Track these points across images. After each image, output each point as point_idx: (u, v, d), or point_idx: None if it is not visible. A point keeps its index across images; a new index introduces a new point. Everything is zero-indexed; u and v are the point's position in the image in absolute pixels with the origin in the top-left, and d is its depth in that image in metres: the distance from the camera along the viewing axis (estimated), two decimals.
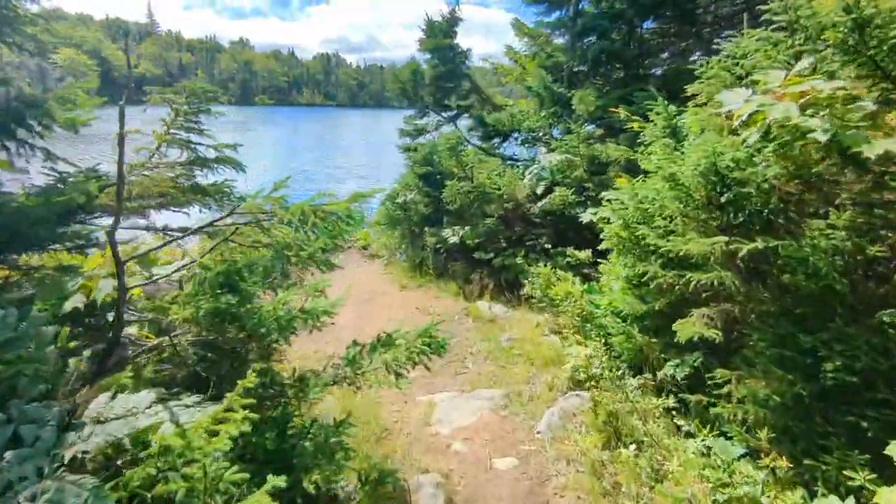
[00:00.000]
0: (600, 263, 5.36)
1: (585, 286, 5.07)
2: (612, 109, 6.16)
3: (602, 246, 4.38)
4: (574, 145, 7.21)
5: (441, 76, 9.84)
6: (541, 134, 8.67)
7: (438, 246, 7.86)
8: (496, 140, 9.32)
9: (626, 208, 4.07)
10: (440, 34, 9.48)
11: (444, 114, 9.95)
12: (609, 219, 4.31)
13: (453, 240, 7.24)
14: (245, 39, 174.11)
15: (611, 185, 7.45)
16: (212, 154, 3.36)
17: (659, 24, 9.03)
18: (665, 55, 9.42)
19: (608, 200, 4.42)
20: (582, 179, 7.25)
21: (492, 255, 7.07)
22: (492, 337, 5.55)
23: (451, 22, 9.68)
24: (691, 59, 8.21)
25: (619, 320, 4.38)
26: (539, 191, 7.21)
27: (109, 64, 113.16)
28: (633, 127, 5.91)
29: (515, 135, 9.25)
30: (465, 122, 10.19)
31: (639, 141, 5.14)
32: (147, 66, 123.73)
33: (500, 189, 7.31)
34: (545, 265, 5.91)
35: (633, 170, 5.34)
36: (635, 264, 3.99)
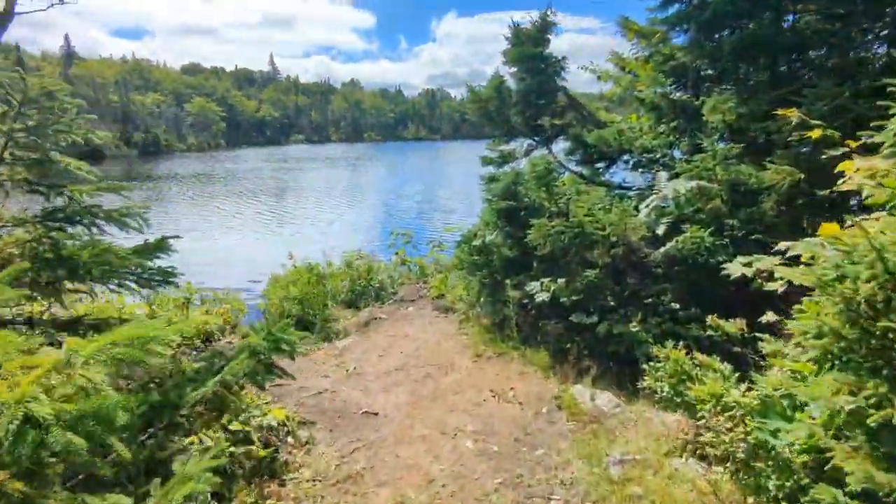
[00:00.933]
0: (762, 340, 3.44)
1: (755, 397, 3.10)
2: (779, 112, 4.20)
3: (803, 347, 2.46)
4: (708, 167, 5.25)
5: (531, 91, 8.26)
6: (659, 155, 6.75)
7: (525, 301, 6.17)
8: (600, 165, 7.49)
9: (847, 277, 2.18)
10: (528, 42, 7.93)
11: (535, 137, 8.35)
12: (805, 292, 2.43)
13: (542, 296, 5.52)
14: (356, 80, 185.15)
15: (767, 221, 5.33)
16: None
17: (819, 5, 6.83)
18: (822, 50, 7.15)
19: (787, 261, 2.57)
20: (721, 214, 5.24)
21: (595, 318, 5.24)
22: (594, 454, 3.74)
23: (542, 27, 8.08)
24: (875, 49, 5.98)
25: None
26: (660, 230, 5.29)
27: (234, 109, 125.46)
28: (810, 136, 3.99)
29: (626, 157, 7.39)
30: (561, 146, 8.52)
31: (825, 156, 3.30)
32: (267, 109, 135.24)
33: (605, 228, 5.50)
34: (674, 343, 4.01)
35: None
36: (873, 386, 2.09)
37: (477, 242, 6.79)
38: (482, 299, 6.93)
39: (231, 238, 19.81)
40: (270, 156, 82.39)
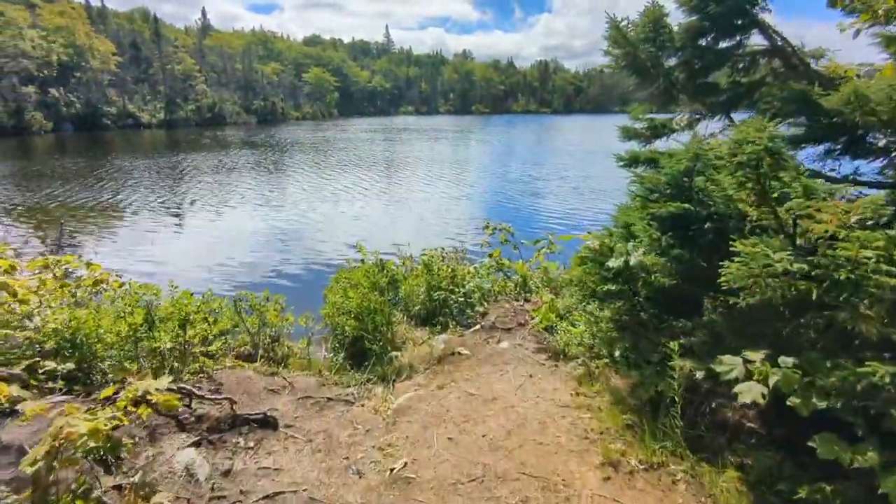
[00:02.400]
0: None
1: None
2: None
3: None
4: None
5: (706, 27, 5.46)
6: None
7: (696, 379, 3.59)
8: (833, 146, 4.57)
9: None
10: None
11: (709, 98, 5.54)
12: None
13: (750, 391, 2.94)
14: (468, 52, 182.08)
15: None
16: None
17: None
18: None
19: None
20: None
21: (874, 455, 2.59)
22: None
23: None
24: None
25: None
26: None
27: (349, 79, 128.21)
28: None
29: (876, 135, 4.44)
30: (740, 116, 5.65)
31: None
32: (379, 80, 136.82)
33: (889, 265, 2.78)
34: None
35: None
36: None
37: (615, 263, 4.27)
38: (618, 351, 4.43)
39: (317, 211, 18.65)
40: (377, 126, 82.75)
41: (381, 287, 6.96)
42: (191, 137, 57.62)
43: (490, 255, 7.29)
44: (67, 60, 71.59)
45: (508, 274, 7.22)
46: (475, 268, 7.35)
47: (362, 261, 8.10)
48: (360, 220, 17.34)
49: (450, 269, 6.98)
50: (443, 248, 7.66)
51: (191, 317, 4.78)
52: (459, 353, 5.41)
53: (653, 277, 4.31)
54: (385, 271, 7.47)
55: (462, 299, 6.53)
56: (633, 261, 4.25)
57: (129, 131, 68.61)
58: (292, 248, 14.35)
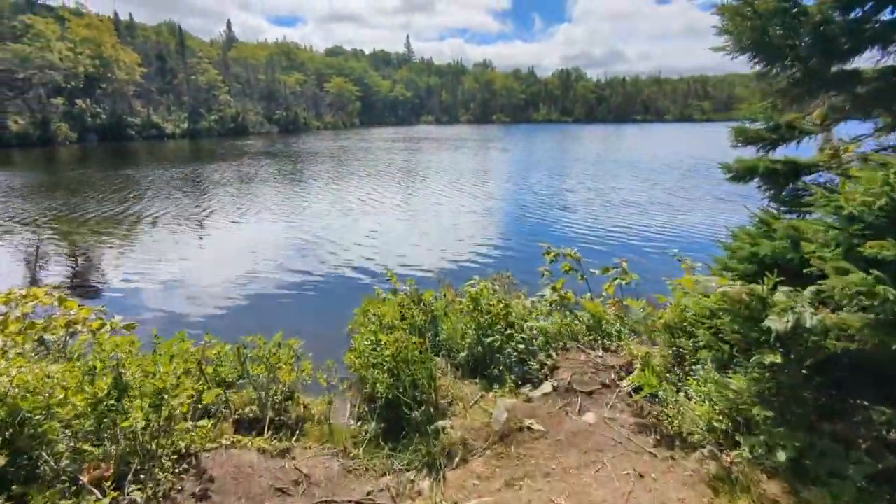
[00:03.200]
0: None
1: None
2: None
3: None
4: None
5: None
6: None
7: None
8: None
9: None
10: None
11: (855, 89, 4.15)
12: None
13: None
14: (488, 61, 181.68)
15: None
16: None
17: None
18: None
19: None
20: None
21: None
22: None
23: None
24: None
25: None
26: None
27: (370, 89, 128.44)
28: None
29: None
30: None
31: None
32: (400, 89, 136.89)
33: None
34: None
35: None
36: None
37: (779, 324, 2.89)
38: (783, 453, 3.03)
39: (335, 222, 17.47)
40: (398, 135, 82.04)
41: (420, 327, 5.66)
42: (213, 147, 57.45)
43: (553, 288, 5.91)
44: (94, 72, 72.45)
45: (574, 310, 5.84)
46: (532, 302, 5.99)
47: (394, 291, 6.83)
48: (380, 234, 16.11)
49: (502, 305, 5.63)
50: (492, 280, 6.33)
51: (169, 387, 3.50)
52: (530, 429, 4.04)
53: (836, 343, 2.92)
54: (422, 305, 6.17)
55: (522, 346, 5.17)
56: (809, 320, 2.86)
57: (153, 142, 68.90)
58: (309, 263, 13.19)
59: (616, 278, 5.93)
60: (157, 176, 31.22)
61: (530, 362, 5.02)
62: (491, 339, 5.12)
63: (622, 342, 5.10)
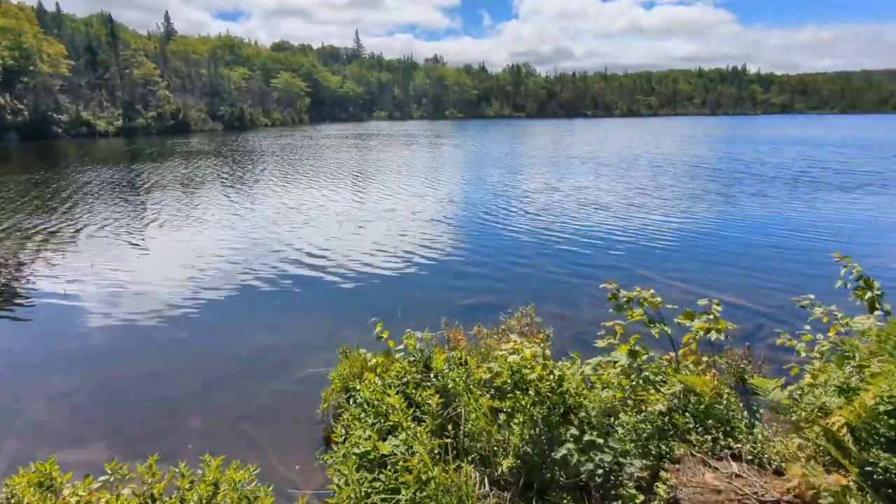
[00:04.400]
0: None
1: None
2: None
3: None
4: None
5: None
6: None
7: None
8: None
9: None
10: None
11: None
12: None
13: None
14: (439, 57, 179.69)
15: None
16: None
17: None
18: None
19: None
20: None
21: None
22: None
23: None
24: None
25: None
26: None
27: (319, 85, 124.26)
28: None
29: None
30: None
31: None
32: (351, 85, 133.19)
33: None
34: None
35: None
36: None
37: None
38: None
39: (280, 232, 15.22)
40: (350, 132, 78.85)
41: (438, 419, 3.77)
42: (151, 146, 53.14)
43: (632, 352, 4.09)
44: (13, 64, 66.18)
45: (654, 381, 4.07)
46: (591, 367, 4.17)
47: (386, 353, 4.89)
48: (333, 244, 13.97)
49: (554, 378, 3.80)
50: (517, 319, 4.47)
51: None
52: None
53: None
54: (434, 375, 4.27)
55: (608, 458, 3.33)
56: None
57: (83, 141, 63.42)
58: (258, 274, 11.06)
59: (706, 327, 4.20)
60: (85, 178, 27.80)
61: (626, 486, 3.20)
62: (562, 450, 3.26)
63: (765, 447, 3.35)
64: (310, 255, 12.89)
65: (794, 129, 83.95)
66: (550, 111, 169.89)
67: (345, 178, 27.49)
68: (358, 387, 4.37)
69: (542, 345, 4.02)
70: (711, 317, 4.22)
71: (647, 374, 3.93)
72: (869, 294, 4.60)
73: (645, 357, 4.06)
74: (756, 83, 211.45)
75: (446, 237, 14.50)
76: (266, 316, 9.14)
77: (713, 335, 4.14)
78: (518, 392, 3.79)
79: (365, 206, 19.41)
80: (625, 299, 4.22)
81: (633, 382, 3.93)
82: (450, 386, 4.09)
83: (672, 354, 4.37)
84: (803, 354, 4.35)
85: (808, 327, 4.52)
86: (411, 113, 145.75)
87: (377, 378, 4.31)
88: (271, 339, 8.19)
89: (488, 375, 4.14)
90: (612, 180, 25.69)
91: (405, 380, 4.12)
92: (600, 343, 4.66)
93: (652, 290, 4.25)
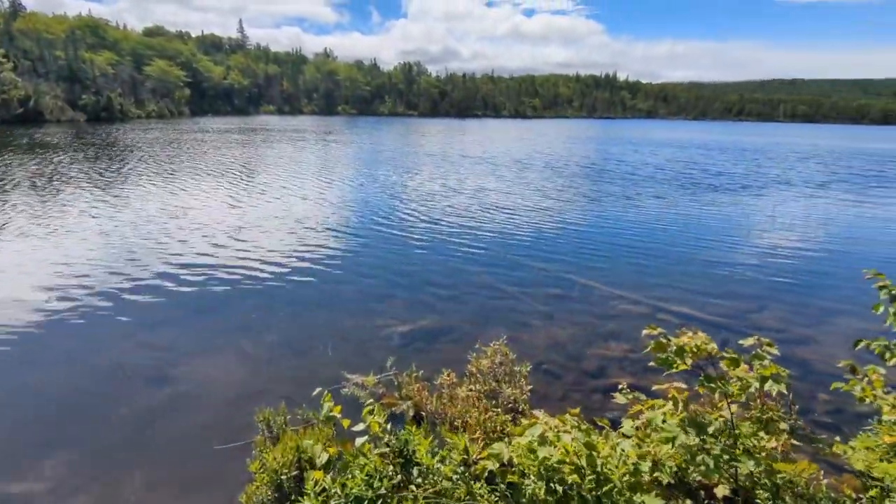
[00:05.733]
0: None
1: None
2: None
3: None
4: None
5: None
6: None
7: None
8: None
9: None
10: None
11: None
12: None
13: None
14: (329, 51, 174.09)
15: None
16: None
17: None
18: None
19: None
20: None
21: None
22: None
23: None
24: None
25: None
26: None
27: (200, 75, 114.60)
28: None
29: None
30: None
31: None
32: (235, 76, 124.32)
33: None
34: None
35: None
36: None
37: None
38: None
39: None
40: (236, 126, 72.93)
41: None
42: None
43: (679, 415, 3.03)
44: None
45: (720, 465, 3.06)
46: (623, 435, 3.07)
47: (345, 443, 3.44)
48: (220, 251, 11.94)
49: (585, 463, 2.66)
50: (489, 357, 3.24)
51: None
52: None
53: None
54: (418, 473, 2.93)
55: None
56: None
57: None
58: (126, 295, 8.84)
59: (759, 376, 3.27)
60: None
61: None
62: None
63: None
64: (188, 270, 10.66)
65: (662, 132, 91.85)
66: (443, 110, 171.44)
67: (226, 177, 24.28)
68: (302, 490, 2.92)
69: (580, 426, 2.84)
70: (766, 362, 3.30)
71: (716, 452, 2.89)
72: None
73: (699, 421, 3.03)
74: (625, 90, 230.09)
75: (352, 248, 12.71)
76: (142, 353, 7.12)
77: (772, 387, 3.21)
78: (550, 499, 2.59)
79: (250, 211, 16.82)
80: (673, 349, 3.16)
81: (699, 466, 2.88)
82: (447, 488, 2.79)
83: (726, 414, 3.39)
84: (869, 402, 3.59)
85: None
86: (301, 108, 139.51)
87: (330, 478, 2.89)
88: (154, 392, 6.26)
89: (494, 466, 2.89)
90: (513, 182, 25.18)
91: (379, 489, 2.74)
92: (620, 398, 3.60)
93: (702, 334, 3.23)
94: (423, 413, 4.76)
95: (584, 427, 2.90)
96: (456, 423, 4.27)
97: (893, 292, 4.11)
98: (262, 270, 10.67)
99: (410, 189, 22.16)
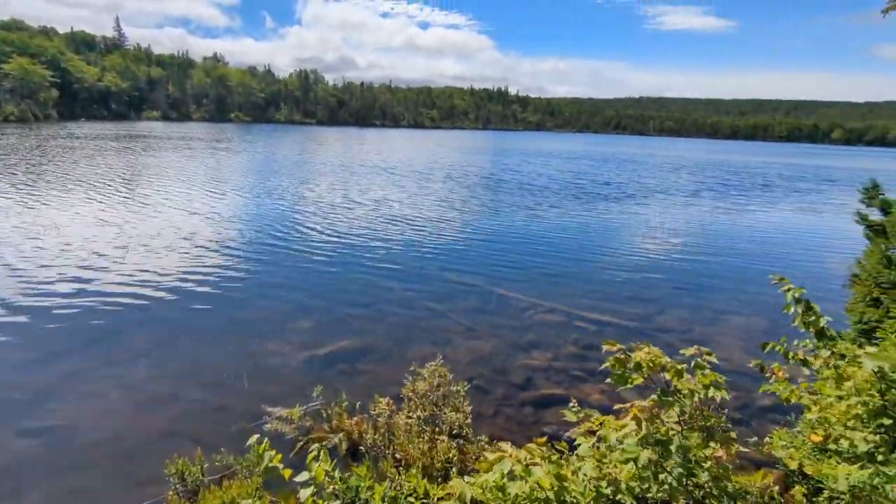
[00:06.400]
0: None
1: None
2: None
3: None
4: None
5: None
6: None
7: None
8: None
9: None
10: None
11: None
12: None
13: None
14: (219, 55, 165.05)
15: None
16: None
17: None
18: None
19: None
20: None
21: None
22: None
23: None
24: None
25: None
26: None
27: (70, 75, 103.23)
28: None
29: None
30: None
31: None
32: (112, 79, 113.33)
33: None
34: None
35: None
36: None
37: None
38: None
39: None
40: (113, 132, 66.12)
41: None
42: None
43: (640, 433, 2.96)
44: None
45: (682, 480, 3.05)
46: (594, 466, 2.97)
47: (287, 497, 3.01)
48: (95, 271, 10.68)
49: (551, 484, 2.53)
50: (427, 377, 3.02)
51: None
52: None
53: None
54: None
55: None
56: None
57: None
58: None
59: (701, 387, 3.34)
60: None
61: None
62: None
63: None
64: (59, 299, 9.26)
65: (551, 144, 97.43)
66: (341, 119, 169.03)
67: (99, 189, 21.47)
68: None
69: (550, 457, 2.68)
70: (706, 371, 3.38)
71: (679, 470, 2.87)
72: (811, 318, 4.33)
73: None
74: (516, 103, 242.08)
75: (254, 268, 11.77)
76: (8, 398, 6.02)
77: (715, 394, 3.29)
78: None
79: (130, 229, 14.94)
80: (632, 364, 3.12)
81: (663, 485, 2.84)
82: None
83: (677, 427, 3.42)
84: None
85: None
86: (191, 114, 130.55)
87: None
88: (26, 445, 5.28)
89: None
90: (417, 193, 24.93)
91: None
92: (571, 415, 3.52)
93: (655, 348, 3.23)
94: (362, 447, 4.40)
95: (553, 458, 2.75)
96: (399, 457, 3.99)
97: (797, 295, 4.44)
98: (152, 297, 9.49)
99: (311, 201, 21.09)
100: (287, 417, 4.79)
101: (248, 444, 2.88)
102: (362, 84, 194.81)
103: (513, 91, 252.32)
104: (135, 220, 15.81)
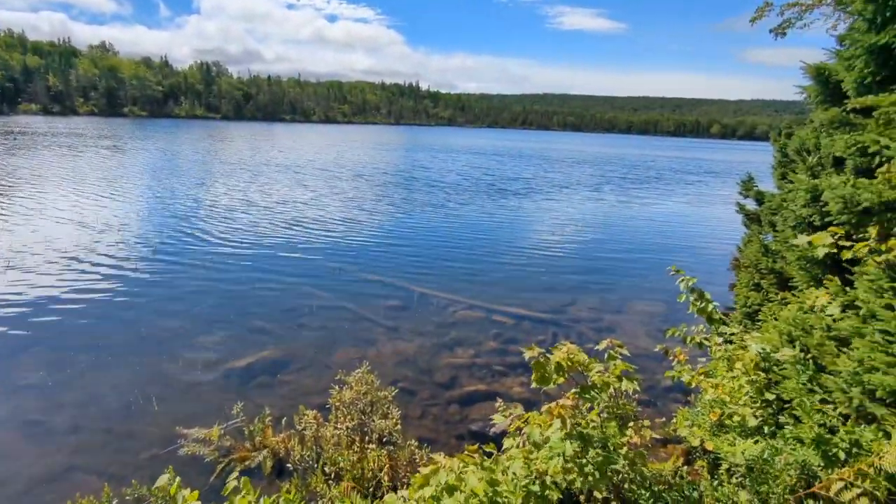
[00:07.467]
0: None
1: None
2: None
3: None
4: None
5: None
6: None
7: None
8: None
9: None
10: None
11: None
12: None
13: None
14: (108, 44, 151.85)
15: None
16: None
17: None
18: None
19: None
20: None
21: None
22: None
23: None
24: None
25: None
26: None
27: None
28: None
29: None
30: None
31: None
32: None
33: None
34: None
35: None
36: None
37: None
38: None
39: None
40: None
41: None
42: None
43: (563, 430, 3.09)
44: None
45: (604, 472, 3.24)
46: (524, 466, 3.10)
47: None
48: None
49: (485, 491, 2.63)
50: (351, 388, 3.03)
51: None
52: None
53: None
54: None
55: None
56: None
57: None
58: None
59: (614, 378, 3.58)
60: None
61: None
62: None
63: None
64: None
65: (461, 139, 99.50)
66: (248, 114, 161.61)
67: None
68: None
69: (482, 463, 2.77)
70: (618, 361, 3.64)
71: (599, 461, 3.07)
72: (702, 305, 4.77)
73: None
74: (427, 99, 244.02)
75: (155, 278, 10.90)
76: None
77: (627, 386, 3.55)
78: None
79: (3, 239, 13.24)
80: (553, 366, 3.27)
81: (588, 478, 3.03)
82: None
83: (597, 420, 3.63)
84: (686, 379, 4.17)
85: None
86: (76, 108, 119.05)
87: None
88: None
89: None
90: (327, 193, 24.08)
91: None
92: (500, 418, 3.66)
93: (573, 346, 3.41)
94: (289, 463, 4.27)
95: (486, 465, 2.84)
96: (328, 470, 3.92)
97: (691, 284, 4.89)
98: (35, 320, 8.49)
99: (212, 205, 19.59)
100: (205, 439, 4.55)
101: (156, 484, 2.71)
102: (269, 77, 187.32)
103: (424, 87, 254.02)
104: (4, 234, 13.79)
